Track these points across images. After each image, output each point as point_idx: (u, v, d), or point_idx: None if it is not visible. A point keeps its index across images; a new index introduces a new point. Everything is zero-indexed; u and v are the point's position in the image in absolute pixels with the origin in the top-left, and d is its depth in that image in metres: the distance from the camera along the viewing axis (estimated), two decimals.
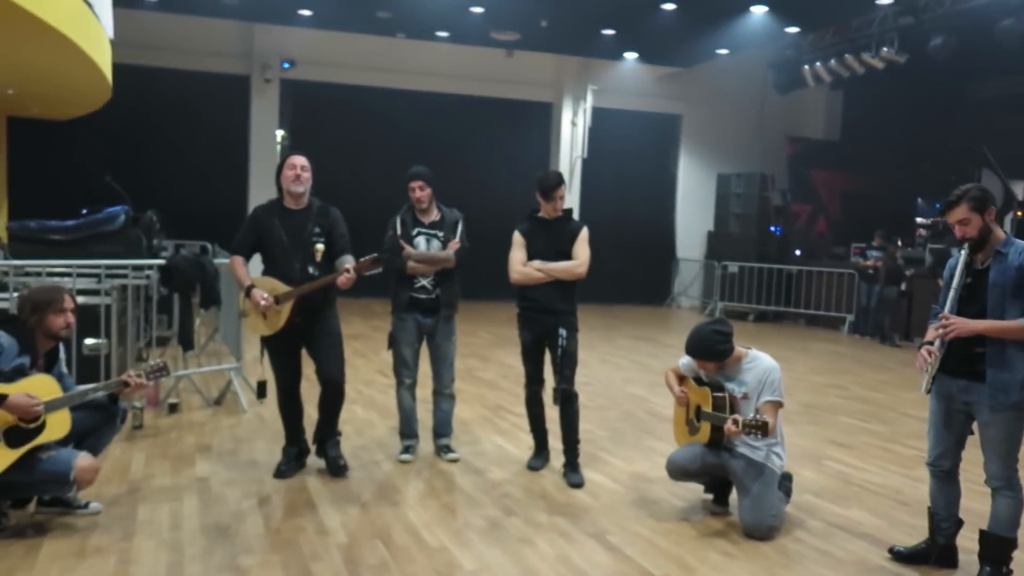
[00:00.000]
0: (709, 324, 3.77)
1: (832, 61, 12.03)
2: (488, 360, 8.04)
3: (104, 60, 6.76)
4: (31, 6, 4.68)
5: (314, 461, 4.34)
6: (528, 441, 4.68)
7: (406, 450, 4.60)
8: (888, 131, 14.06)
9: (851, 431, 5.79)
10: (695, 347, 3.75)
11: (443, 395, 4.66)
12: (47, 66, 6.48)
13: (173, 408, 5.45)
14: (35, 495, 3.46)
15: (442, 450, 4.66)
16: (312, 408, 4.31)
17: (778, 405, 3.65)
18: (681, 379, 3.97)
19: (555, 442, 4.52)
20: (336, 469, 4.23)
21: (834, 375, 8.25)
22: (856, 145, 14.56)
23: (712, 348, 3.69)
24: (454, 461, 4.57)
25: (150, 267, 6.17)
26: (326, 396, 4.23)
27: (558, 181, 4.27)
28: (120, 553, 3.14)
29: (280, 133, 13.08)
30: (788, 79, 13.37)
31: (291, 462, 4.24)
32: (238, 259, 4.14)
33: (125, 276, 5.84)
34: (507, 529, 3.59)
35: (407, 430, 4.64)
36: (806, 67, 12.57)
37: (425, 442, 4.76)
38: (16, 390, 3.16)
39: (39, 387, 3.25)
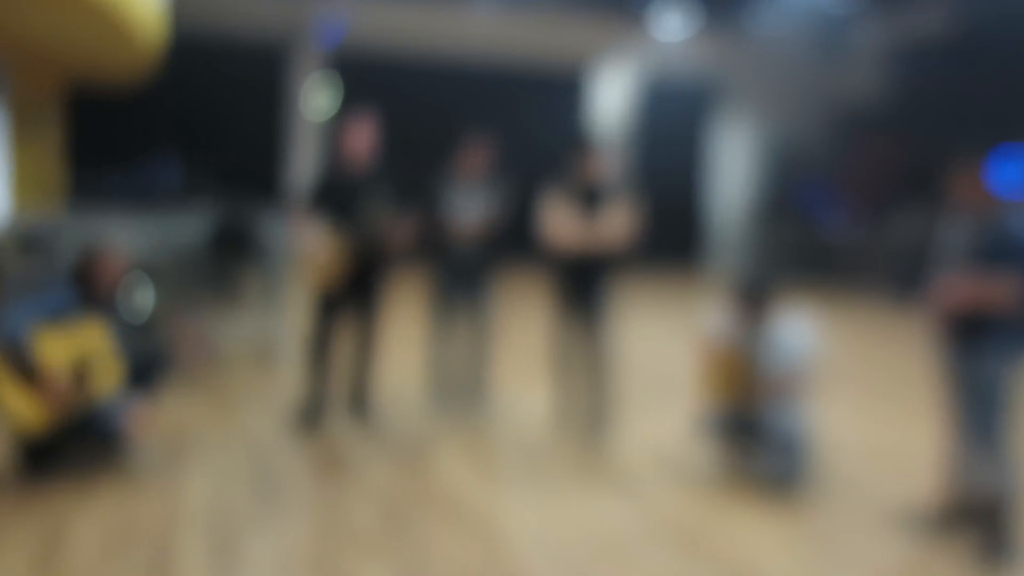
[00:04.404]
0: (755, 269, 3.86)
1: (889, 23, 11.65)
2: (526, 322, 8.14)
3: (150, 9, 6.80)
4: None
5: (340, 419, 4.53)
6: (557, 398, 4.79)
7: (440, 408, 4.76)
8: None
9: (874, 396, 5.78)
10: (739, 287, 3.83)
11: (479, 356, 4.78)
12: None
13: (220, 362, 5.69)
14: (90, 441, 3.69)
15: (475, 408, 4.81)
16: (342, 371, 4.49)
17: (814, 368, 3.70)
18: (711, 345, 4.02)
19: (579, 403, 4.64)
20: (367, 422, 4.46)
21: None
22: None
23: (754, 290, 3.76)
24: (488, 419, 4.71)
25: (204, 225, 6.39)
26: (361, 356, 4.47)
27: (595, 140, 4.38)
28: (172, 493, 3.35)
29: (317, 101, 13.24)
30: (837, 41, 12.99)
31: (311, 416, 4.37)
32: (304, 215, 4.35)
33: (179, 232, 6.08)
34: (538, 485, 3.72)
35: (442, 388, 4.79)
36: (857, 29, 12.20)
37: (460, 400, 4.91)
38: (60, 337, 3.36)
39: (86, 335, 3.44)
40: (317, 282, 4.30)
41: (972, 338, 3.04)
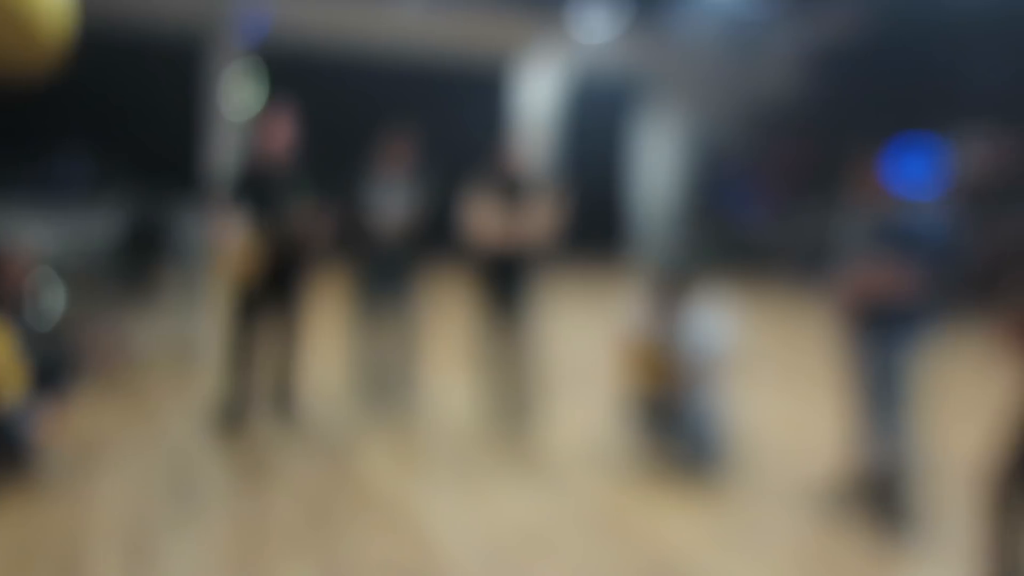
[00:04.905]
0: (673, 260, 3.96)
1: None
2: (452, 317, 8.14)
3: None
4: None
5: (264, 419, 4.44)
6: (481, 393, 4.82)
7: (367, 404, 4.73)
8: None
9: (794, 378, 6.02)
10: (657, 277, 3.93)
11: (405, 351, 4.77)
12: None
13: (136, 364, 5.50)
14: None
15: (401, 404, 4.79)
16: (265, 369, 4.41)
17: (731, 354, 3.83)
18: (630, 335, 4.12)
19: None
20: (292, 421, 4.38)
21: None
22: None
23: (672, 280, 3.86)
24: (413, 414, 4.71)
25: (117, 221, 6.16)
26: (283, 354, 4.39)
27: (517, 136, 4.42)
28: (84, 502, 3.23)
29: (236, 95, 12.91)
30: (755, 45, 13.45)
31: (233, 416, 4.27)
32: (224, 211, 4.24)
33: (91, 230, 5.85)
34: (465, 479, 3.74)
35: (368, 385, 4.76)
36: (774, 33, 12.64)
37: (387, 396, 4.88)
38: None
39: None
40: (235, 278, 4.20)
41: (872, 324, 3.21)
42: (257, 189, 4.20)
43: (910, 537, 3.19)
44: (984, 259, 7.96)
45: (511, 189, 4.36)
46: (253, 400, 4.36)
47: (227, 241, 4.14)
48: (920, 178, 3.44)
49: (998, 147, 10.61)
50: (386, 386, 4.85)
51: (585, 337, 7.65)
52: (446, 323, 7.86)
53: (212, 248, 4.42)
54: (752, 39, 13.51)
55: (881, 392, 3.23)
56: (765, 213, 14.08)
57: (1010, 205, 9.85)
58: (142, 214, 5.93)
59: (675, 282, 3.90)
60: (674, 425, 3.91)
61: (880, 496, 3.31)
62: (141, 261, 5.99)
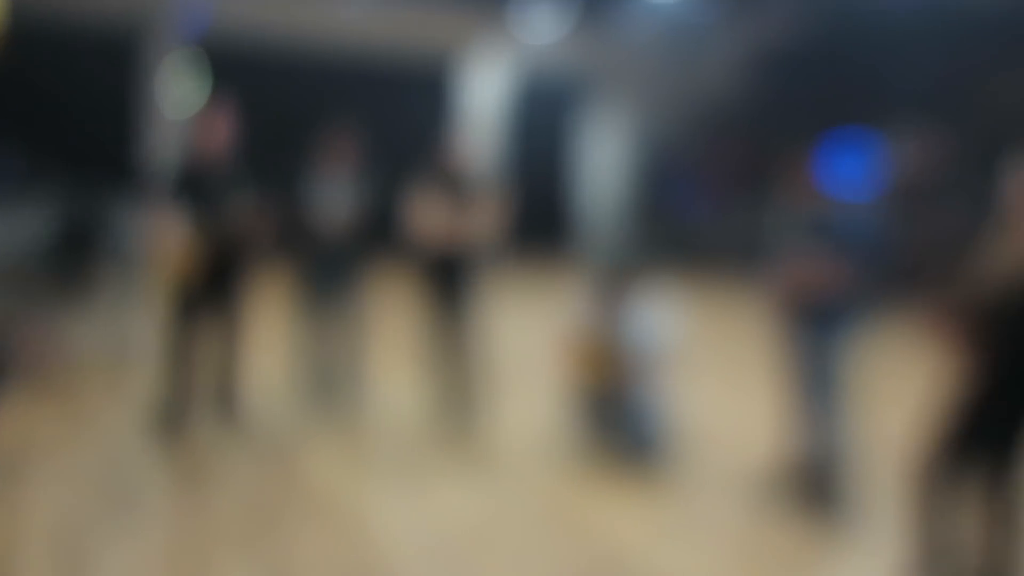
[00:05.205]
0: (615, 256, 4.02)
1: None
2: (399, 316, 8.10)
3: None
4: None
5: (205, 420, 4.35)
6: (427, 391, 4.82)
7: (312, 404, 4.68)
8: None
9: (739, 369, 6.16)
10: (600, 273, 3.98)
11: (349, 350, 4.73)
12: None
13: (72, 366, 5.33)
14: None
15: (347, 403, 4.75)
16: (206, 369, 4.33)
17: (674, 348, 3.90)
18: (573, 331, 4.16)
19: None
20: (234, 422, 4.30)
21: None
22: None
23: (615, 276, 3.91)
24: (358, 413, 4.67)
25: (51, 219, 5.97)
26: (225, 353, 4.30)
27: (461, 133, 4.44)
28: (14, 509, 3.12)
29: (175, 90, 12.60)
30: (699, 47, 13.70)
31: (173, 418, 4.14)
32: (163, 207, 4.12)
33: (22, 228, 5.66)
34: (410, 478, 3.73)
35: (311, 383, 4.71)
36: (717, 37, 12.89)
37: (333, 396, 4.84)
38: None
39: None
40: (173, 277, 4.10)
41: (806, 318, 3.32)
42: (196, 186, 4.11)
43: (845, 523, 3.31)
44: (913, 254, 8.27)
45: (455, 187, 4.37)
46: (194, 402, 4.27)
47: (165, 239, 4.04)
48: (853, 176, 3.57)
49: (928, 146, 11.03)
50: (331, 385, 4.80)
51: (530, 334, 7.69)
52: (391, 322, 7.82)
53: (150, 247, 4.30)
54: (695, 41, 13.76)
55: (816, 384, 3.34)
56: (708, 211, 14.36)
57: (939, 202, 10.25)
58: (77, 211, 5.75)
59: (618, 278, 3.96)
60: (618, 419, 3.97)
61: (816, 484, 3.42)
62: (75, 259, 5.81)
